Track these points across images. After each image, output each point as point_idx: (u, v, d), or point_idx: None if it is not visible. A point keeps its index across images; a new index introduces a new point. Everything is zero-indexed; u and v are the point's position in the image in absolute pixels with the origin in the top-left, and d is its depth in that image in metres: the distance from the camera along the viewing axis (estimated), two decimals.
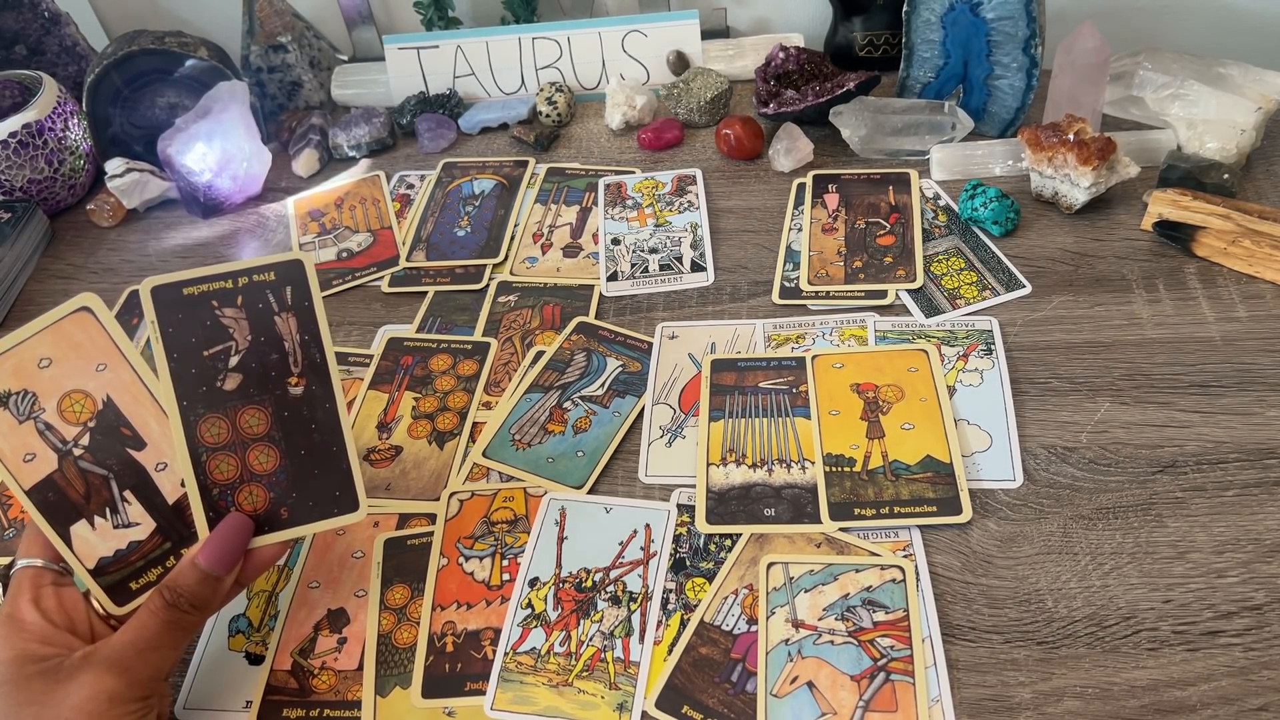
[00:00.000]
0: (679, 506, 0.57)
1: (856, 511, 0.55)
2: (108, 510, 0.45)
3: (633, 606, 0.53)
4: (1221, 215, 0.66)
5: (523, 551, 0.56)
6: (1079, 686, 0.47)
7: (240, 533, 0.45)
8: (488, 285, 0.75)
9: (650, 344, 0.68)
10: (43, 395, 0.45)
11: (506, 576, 0.55)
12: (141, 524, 0.46)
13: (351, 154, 0.91)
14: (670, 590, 0.53)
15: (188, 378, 0.46)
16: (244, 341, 0.46)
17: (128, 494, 0.45)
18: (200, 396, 0.46)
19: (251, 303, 0.46)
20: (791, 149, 0.81)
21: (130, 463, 0.46)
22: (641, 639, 0.51)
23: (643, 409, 0.63)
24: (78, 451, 0.45)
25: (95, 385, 0.45)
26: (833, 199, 0.77)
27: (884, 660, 0.48)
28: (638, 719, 0.48)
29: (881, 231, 0.73)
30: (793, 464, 0.58)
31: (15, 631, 0.42)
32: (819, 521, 0.55)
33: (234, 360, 0.46)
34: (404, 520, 0.59)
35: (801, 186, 0.79)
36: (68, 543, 0.45)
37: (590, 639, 0.52)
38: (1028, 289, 0.67)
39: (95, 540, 0.45)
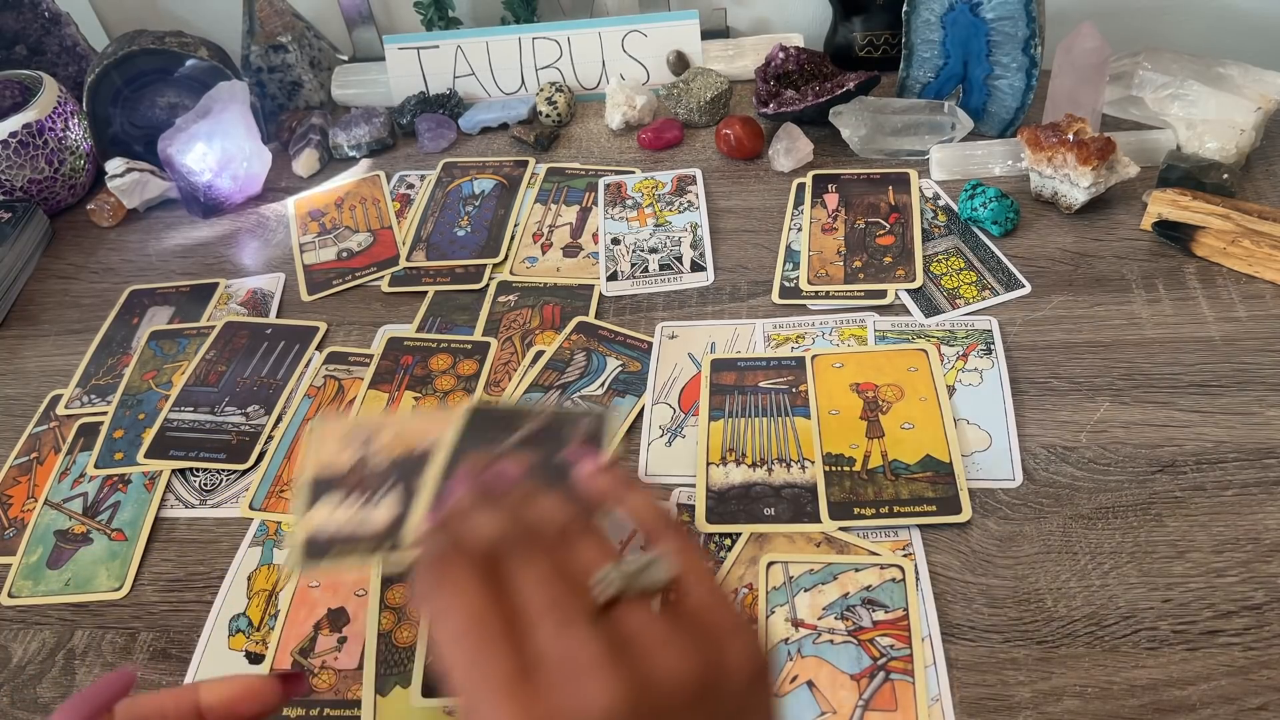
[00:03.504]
0: (679, 505, 0.57)
1: (856, 511, 0.55)
2: (357, 491, 0.49)
3: None
4: (1221, 215, 0.66)
5: None
6: (1078, 686, 0.47)
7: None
8: (488, 285, 0.75)
9: (650, 344, 0.68)
10: (380, 434, 0.52)
11: None
12: (381, 515, 0.48)
13: (351, 154, 0.91)
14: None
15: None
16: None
17: (389, 500, 0.48)
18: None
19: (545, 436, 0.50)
20: (791, 149, 0.81)
21: (408, 493, 0.49)
22: None
23: (642, 408, 0.63)
24: (371, 466, 0.51)
25: (421, 442, 0.51)
26: (832, 199, 0.77)
27: (883, 659, 0.49)
28: None
29: (881, 231, 0.74)
30: (792, 463, 0.58)
31: None
32: (819, 521, 0.55)
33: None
34: None
35: (801, 186, 0.79)
36: (309, 506, 0.48)
37: None
38: (1027, 289, 0.67)
39: (328, 515, 0.48)
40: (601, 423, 0.49)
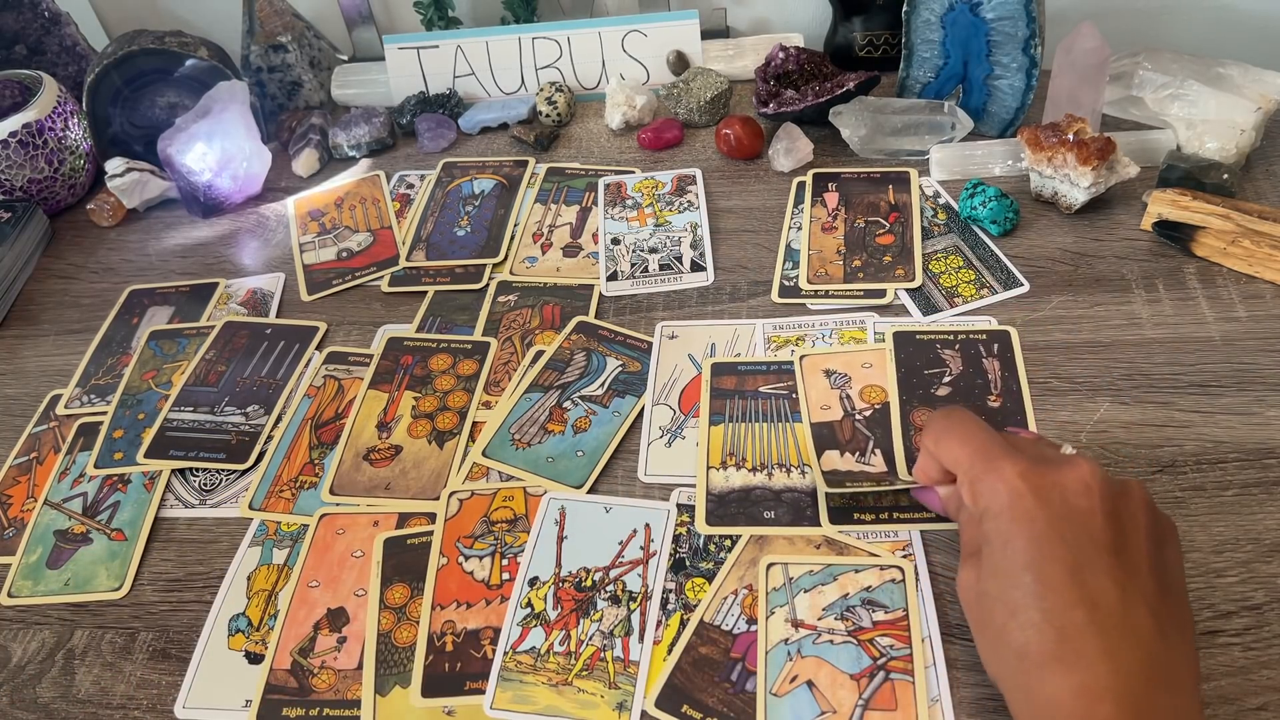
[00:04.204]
0: (678, 506, 0.57)
1: (856, 516, 0.55)
2: (857, 452, 0.58)
3: (632, 606, 0.53)
4: (1221, 215, 0.66)
5: (522, 551, 0.56)
6: None
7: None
8: (487, 285, 0.75)
9: (650, 344, 0.68)
10: (854, 381, 0.62)
11: (506, 576, 0.55)
12: (873, 469, 0.58)
13: (351, 154, 0.91)
14: (670, 590, 0.53)
15: (909, 384, 0.61)
16: (956, 370, 0.62)
17: (876, 452, 0.58)
18: (917, 396, 0.61)
19: (966, 349, 0.63)
20: (791, 149, 0.81)
21: (887, 438, 0.59)
22: (641, 638, 0.51)
23: (642, 409, 0.63)
24: (859, 416, 0.60)
25: (889, 390, 0.61)
26: (832, 198, 0.77)
27: (883, 659, 0.49)
28: (637, 718, 0.48)
29: (881, 231, 0.74)
30: (792, 468, 0.58)
31: None
32: (818, 524, 0.55)
33: (947, 378, 0.61)
34: (404, 519, 0.59)
35: (801, 185, 0.79)
36: (818, 456, 0.58)
37: (590, 638, 0.52)
38: (1025, 287, 0.67)
39: (838, 461, 0.58)
40: (1008, 336, 0.63)
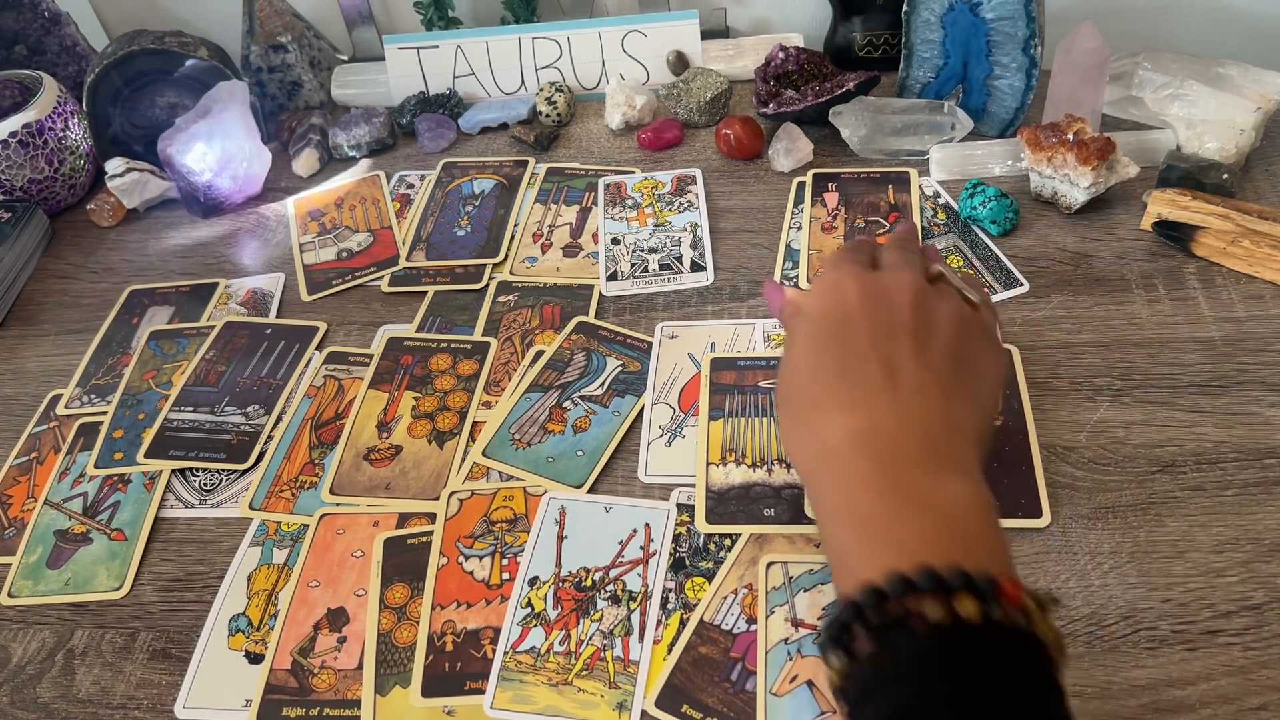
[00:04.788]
0: (678, 506, 0.57)
1: None
2: None
3: (632, 606, 0.53)
4: (1221, 215, 0.66)
5: (522, 551, 0.56)
6: (1078, 686, 0.47)
7: None
8: (487, 285, 0.75)
9: (650, 344, 0.68)
10: None
11: (506, 575, 0.55)
12: None
13: (351, 154, 0.91)
14: (670, 590, 0.53)
15: None
16: None
17: None
18: None
19: None
20: (791, 149, 0.81)
21: None
22: (641, 638, 0.51)
23: (642, 408, 0.63)
24: None
25: None
26: (832, 197, 0.77)
27: None
28: (637, 718, 0.48)
29: (881, 231, 0.74)
30: (792, 464, 0.58)
31: None
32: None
33: None
34: (404, 519, 0.59)
35: (801, 185, 0.79)
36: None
37: (590, 638, 0.52)
38: (1025, 287, 0.67)
39: None
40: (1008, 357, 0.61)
